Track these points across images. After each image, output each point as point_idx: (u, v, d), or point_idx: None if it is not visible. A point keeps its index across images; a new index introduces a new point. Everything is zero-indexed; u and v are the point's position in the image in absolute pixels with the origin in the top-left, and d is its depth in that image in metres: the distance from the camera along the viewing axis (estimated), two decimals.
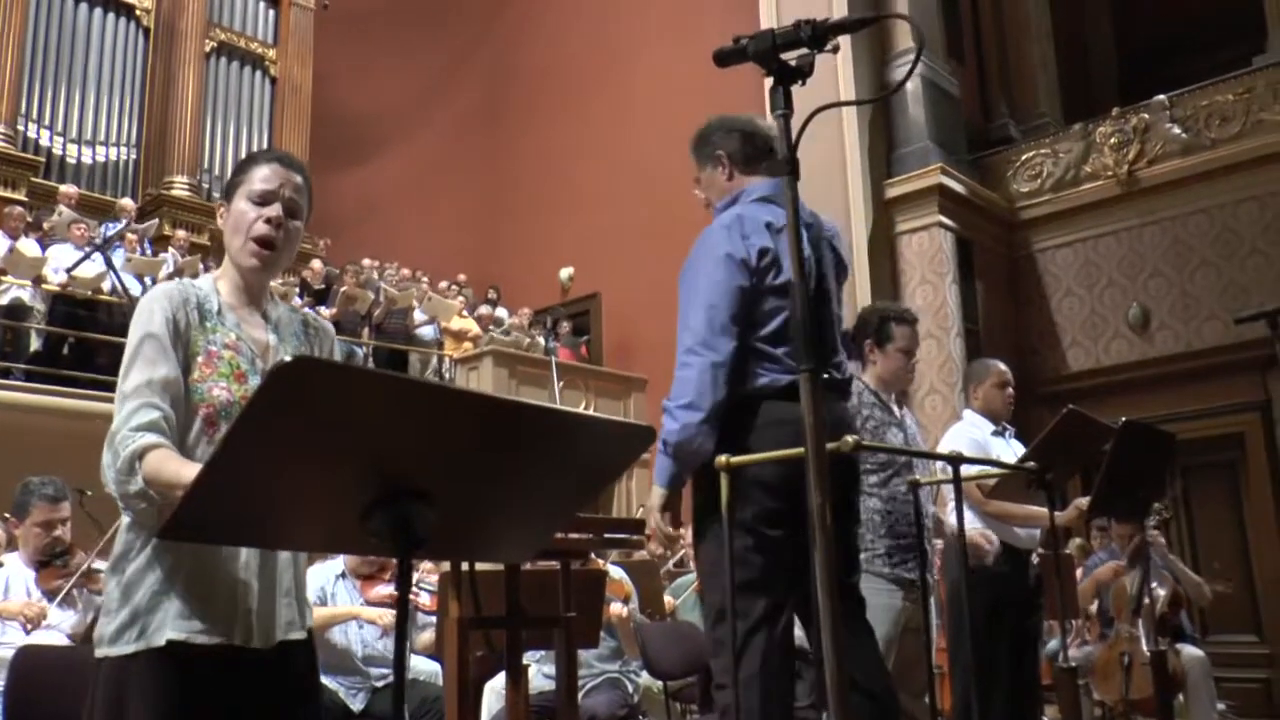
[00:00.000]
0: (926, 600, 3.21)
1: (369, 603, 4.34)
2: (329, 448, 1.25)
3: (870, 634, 2.73)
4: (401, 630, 1.38)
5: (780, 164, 1.80)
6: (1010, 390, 4.42)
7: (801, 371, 1.57)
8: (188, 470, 1.68)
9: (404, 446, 1.30)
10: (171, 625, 1.80)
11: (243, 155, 13.66)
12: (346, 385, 1.21)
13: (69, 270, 8.51)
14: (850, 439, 2.21)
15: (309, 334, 2.11)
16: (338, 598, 4.31)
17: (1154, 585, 4.96)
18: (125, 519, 1.89)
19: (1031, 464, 3.27)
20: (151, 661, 1.79)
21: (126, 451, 1.75)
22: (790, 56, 1.68)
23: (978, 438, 4.21)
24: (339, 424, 1.22)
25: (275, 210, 1.98)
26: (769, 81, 1.71)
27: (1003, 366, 4.50)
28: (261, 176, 2.00)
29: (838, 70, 8.18)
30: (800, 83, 1.64)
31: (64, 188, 10.45)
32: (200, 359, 1.89)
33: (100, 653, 1.83)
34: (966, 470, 2.94)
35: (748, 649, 2.48)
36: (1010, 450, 4.29)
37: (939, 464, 3.78)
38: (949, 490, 4.08)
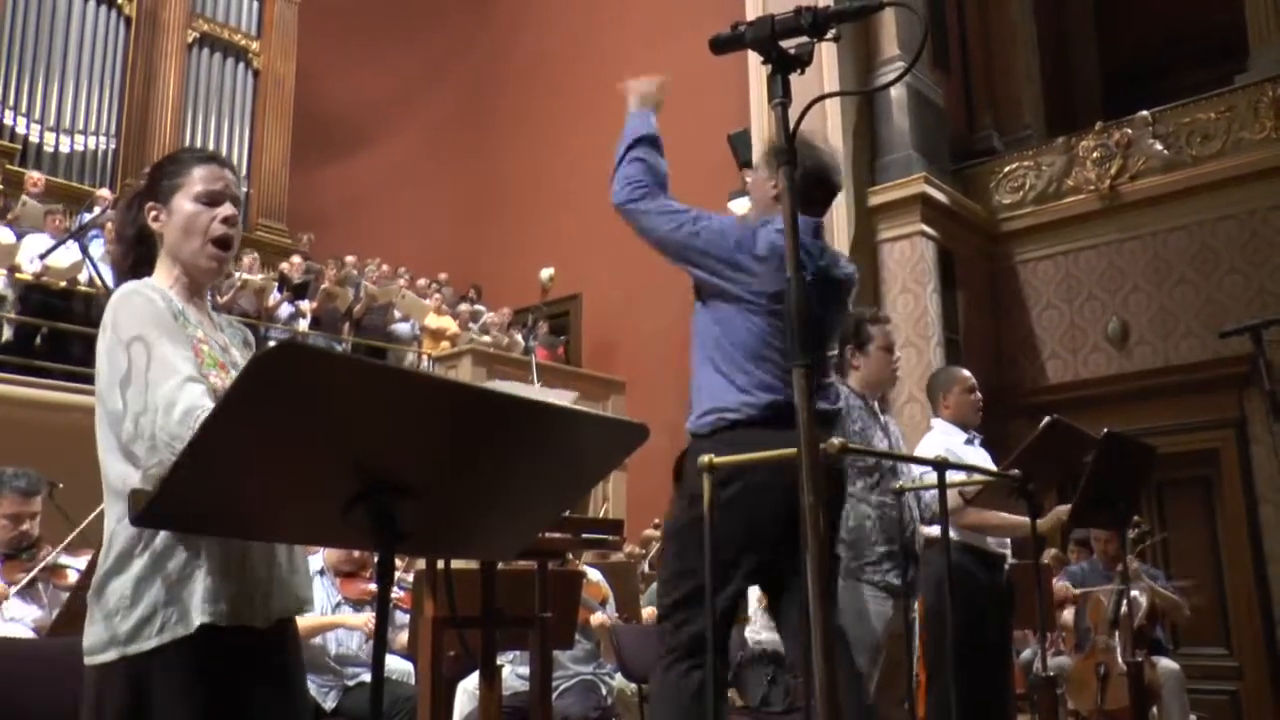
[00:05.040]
0: (909, 606, 3.19)
1: (348, 599, 4.29)
2: (312, 436, 1.22)
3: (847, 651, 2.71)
4: (382, 627, 1.35)
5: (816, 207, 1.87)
6: (978, 395, 4.40)
7: (796, 366, 1.54)
8: None
9: (389, 438, 1.27)
10: (198, 610, 1.74)
11: (224, 148, 13.65)
12: (332, 373, 1.17)
13: (42, 256, 8.38)
14: (836, 441, 2.19)
15: (240, 334, 2.12)
16: (314, 596, 4.25)
17: (1135, 594, 4.96)
18: (116, 515, 1.80)
19: (1015, 471, 3.26)
20: (178, 652, 1.73)
21: (198, 406, 1.69)
22: (789, 45, 1.66)
23: (953, 447, 4.19)
24: (323, 412, 1.19)
25: (229, 209, 1.97)
26: (762, 74, 1.70)
27: (966, 372, 4.47)
28: (202, 177, 1.97)
29: (823, 79, 8.17)
30: (799, 71, 1.62)
31: (30, 174, 10.26)
32: (189, 350, 1.85)
33: (111, 655, 1.73)
34: (950, 478, 2.92)
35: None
36: (982, 458, 4.28)
37: (919, 470, 3.77)
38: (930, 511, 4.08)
